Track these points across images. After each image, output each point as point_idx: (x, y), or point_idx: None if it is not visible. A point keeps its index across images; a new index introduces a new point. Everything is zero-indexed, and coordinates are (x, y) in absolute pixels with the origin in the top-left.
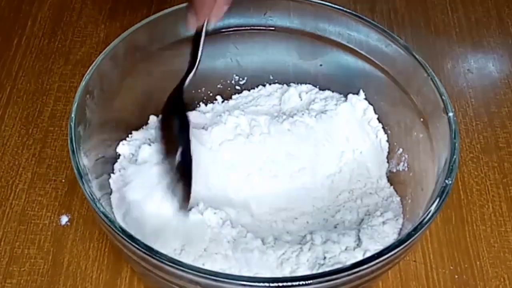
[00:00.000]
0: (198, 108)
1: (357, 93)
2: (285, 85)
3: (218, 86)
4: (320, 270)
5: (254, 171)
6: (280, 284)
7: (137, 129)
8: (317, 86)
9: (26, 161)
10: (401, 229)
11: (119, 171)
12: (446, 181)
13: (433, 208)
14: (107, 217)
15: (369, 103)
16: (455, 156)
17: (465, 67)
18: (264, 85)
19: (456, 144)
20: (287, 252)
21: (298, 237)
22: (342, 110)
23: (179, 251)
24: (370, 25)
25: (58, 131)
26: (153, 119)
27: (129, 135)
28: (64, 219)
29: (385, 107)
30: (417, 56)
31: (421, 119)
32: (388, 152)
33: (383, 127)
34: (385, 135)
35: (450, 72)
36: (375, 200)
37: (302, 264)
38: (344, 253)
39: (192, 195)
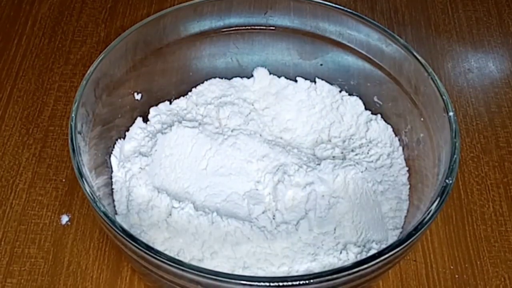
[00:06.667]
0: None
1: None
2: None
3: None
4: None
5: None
6: (280, 284)
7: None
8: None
9: (26, 161)
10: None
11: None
12: (447, 180)
13: (433, 207)
14: (107, 216)
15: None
16: (455, 156)
17: (466, 67)
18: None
19: (457, 144)
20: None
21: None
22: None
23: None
24: (370, 24)
25: (58, 130)
26: (153, 113)
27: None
28: (65, 219)
29: (385, 106)
30: (417, 56)
31: (422, 119)
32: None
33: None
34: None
35: (450, 72)
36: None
37: None
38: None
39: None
